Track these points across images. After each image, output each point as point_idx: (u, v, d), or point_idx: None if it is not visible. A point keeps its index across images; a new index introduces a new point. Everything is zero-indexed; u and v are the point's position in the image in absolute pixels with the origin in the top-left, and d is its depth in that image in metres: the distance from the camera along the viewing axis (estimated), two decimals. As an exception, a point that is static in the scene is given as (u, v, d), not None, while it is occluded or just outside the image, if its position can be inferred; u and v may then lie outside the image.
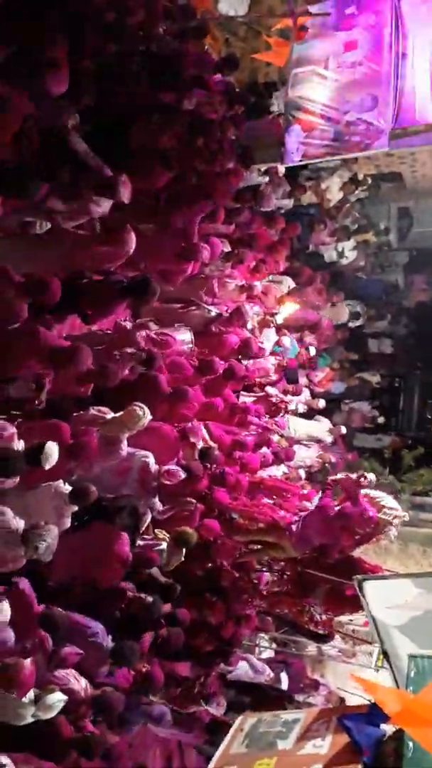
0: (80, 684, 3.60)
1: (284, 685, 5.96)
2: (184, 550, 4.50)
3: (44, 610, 3.51)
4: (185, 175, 4.89)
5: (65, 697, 3.30)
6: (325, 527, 5.16)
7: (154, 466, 4.37)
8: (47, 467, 3.45)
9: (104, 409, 4.22)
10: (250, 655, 5.88)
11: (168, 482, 4.41)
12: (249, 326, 6.23)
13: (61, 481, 3.71)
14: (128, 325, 4.89)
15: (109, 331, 4.92)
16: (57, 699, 3.23)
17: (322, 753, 2.43)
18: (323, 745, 2.47)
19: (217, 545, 5.27)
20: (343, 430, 8.58)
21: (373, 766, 2.29)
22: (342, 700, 6.18)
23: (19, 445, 3.49)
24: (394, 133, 6.03)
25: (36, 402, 3.71)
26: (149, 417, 4.19)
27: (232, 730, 2.90)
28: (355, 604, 5.34)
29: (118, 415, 4.19)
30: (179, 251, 4.82)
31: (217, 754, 2.83)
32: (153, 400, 4.40)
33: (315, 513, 5.28)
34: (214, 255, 5.26)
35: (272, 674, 5.89)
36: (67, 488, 3.72)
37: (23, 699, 3.10)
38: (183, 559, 4.54)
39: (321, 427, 8.34)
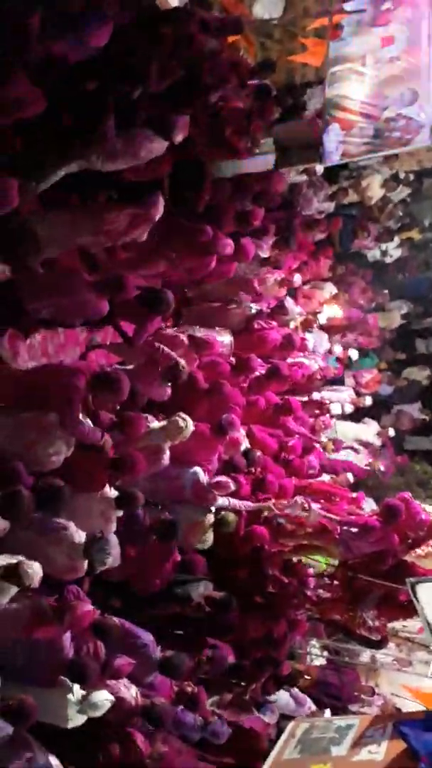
0: (130, 692, 3.59)
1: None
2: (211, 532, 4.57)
3: (97, 618, 3.52)
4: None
5: (112, 698, 3.30)
6: (375, 541, 5.04)
7: (204, 479, 4.46)
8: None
9: (149, 417, 4.26)
10: (293, 688, 5.77)
11: (219, 493, 4.48)
12: (291, 325, 6.19)
13: (107, 486, 3.74)
14: (170, 331, 4.93)
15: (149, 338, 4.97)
16: (104, 698, 3.24)
17: (378, 759, 2.36)
18: (379, 752, 2.40)
19: (265, 552, 5.22)
20: (392, 432, 8.41)
21: (431, 774, 2.20)
22: (398, 708, 6.00)
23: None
24: (436, 127, 5.90)
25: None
26: (192, 428, 4.22)
27: (284, 736, 2.85)
28: (408, 610, 5.19)
29: (161, 425, 4.22)
30: (199, 245, 4.69)
31: (270, 760, 2.78)
32: (191, 399, 4.42)
33: (364, 529, 5.11)
34: (246, 256, 5.19)
35: (314, 707, 5.76)
36: (114, 493, 3.76)
37: (69, 696, 3.12)
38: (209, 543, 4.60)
39: (369, 431, 8.21)
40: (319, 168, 6.64)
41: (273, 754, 2.79)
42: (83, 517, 3.63)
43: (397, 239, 9.15)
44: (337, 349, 7.65)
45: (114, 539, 3.55)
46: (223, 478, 4.53)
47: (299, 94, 6.56)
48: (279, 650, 5.11)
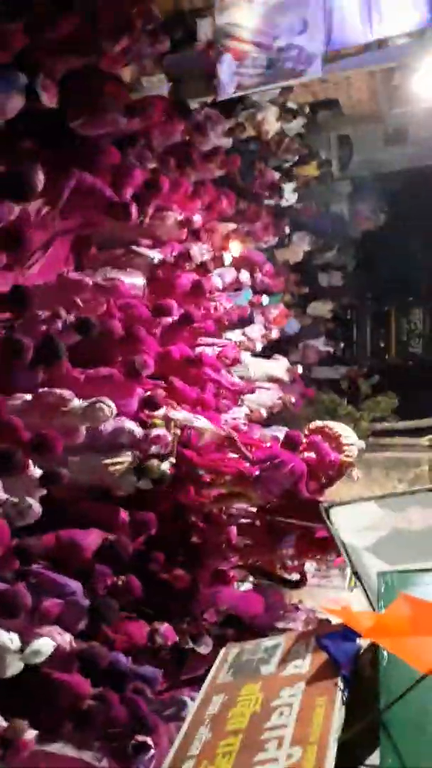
0: (64, 638, 3.66)
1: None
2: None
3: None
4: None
5: (54, 643, 3.36)
6: (288, 472, 5.26)
7: (138, 430, 4.56)
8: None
9: (67, 393, 4.14)
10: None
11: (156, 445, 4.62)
12: (200, 260, 6.09)
13: (31, 464, 3.70)
14: (73, 275, 4.78)
15: (50, 283, 4.80)
16: (45, 643, 3.29)
17: (302, 672, 2.53)
18: (303, 665, 2.57)
19: (187, 504, 5.34)
20: (300, 369, 8.67)
21: (351, 679, 2.41)
22: (320, 621, 6.46)
23: None
24: (327, 57, 5.85)
25: None
26: (114, 414, 4.20)
27: (217, 662, 3.00)
28: (324, 545, 5.51)
29: (82, 406, 4.13)
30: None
31: (205, 685, 2.94)
32: (106, 346, 4.37)
33: (278, 465, 5.31)
34: (133, 180, 5.05)
35: None
36: (38, 472, 3.73)
37: (9, 644, 3.14)
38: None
39: (279, 366, 8.42)
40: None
41: (207, 679, 2.94)
42: (5, 492, 3.59)
43: (291, 185, 9.06)
44: (244, 276, 7.58)
45: (37, 504, 3.54)
46: (160, 432, 4.68)
47: (189, 22, 6.27)
48: (201, 601, 5.32)
